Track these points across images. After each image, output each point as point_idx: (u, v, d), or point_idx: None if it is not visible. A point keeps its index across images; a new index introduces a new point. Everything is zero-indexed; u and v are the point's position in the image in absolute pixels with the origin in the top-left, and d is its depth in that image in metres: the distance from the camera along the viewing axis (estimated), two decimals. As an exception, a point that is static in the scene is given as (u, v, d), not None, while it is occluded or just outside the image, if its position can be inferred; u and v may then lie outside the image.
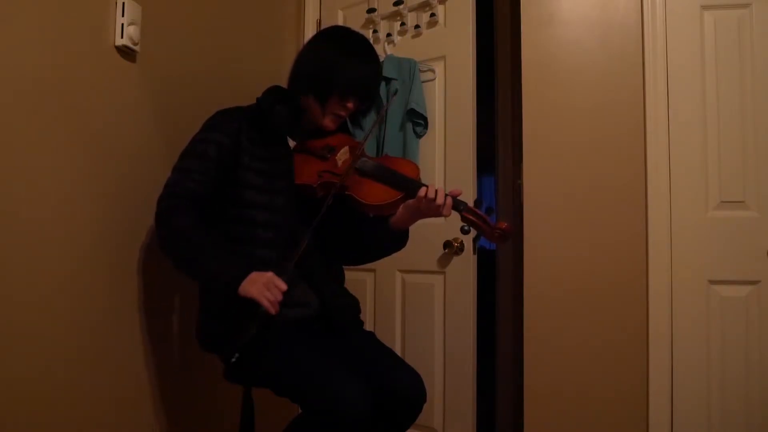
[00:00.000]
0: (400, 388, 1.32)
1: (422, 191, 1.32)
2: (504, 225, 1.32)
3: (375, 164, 1.41)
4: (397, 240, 1.47)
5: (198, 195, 1.32)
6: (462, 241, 2.05)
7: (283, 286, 1.22)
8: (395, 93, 1.78)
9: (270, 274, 1.23)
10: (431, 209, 1.33)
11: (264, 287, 1.21)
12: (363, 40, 1.52)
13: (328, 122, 1.47)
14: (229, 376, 1.41)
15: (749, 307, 1.73)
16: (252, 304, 1.22)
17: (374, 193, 1.37)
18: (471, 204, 1.36)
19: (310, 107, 1.46)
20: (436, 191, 1.32)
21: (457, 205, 1.35)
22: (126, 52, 1.49)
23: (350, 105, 1.45)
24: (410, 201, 1.36)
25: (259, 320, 1.22)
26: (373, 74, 1.48)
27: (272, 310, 1.21)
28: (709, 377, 1.74)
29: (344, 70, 1.41)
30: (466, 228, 1.37)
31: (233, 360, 1.24)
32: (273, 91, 1.47)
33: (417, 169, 1.44)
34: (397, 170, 1.40)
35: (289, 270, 1.26)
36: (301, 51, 1.53)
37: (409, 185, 1.36)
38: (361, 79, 1.44)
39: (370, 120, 2.21)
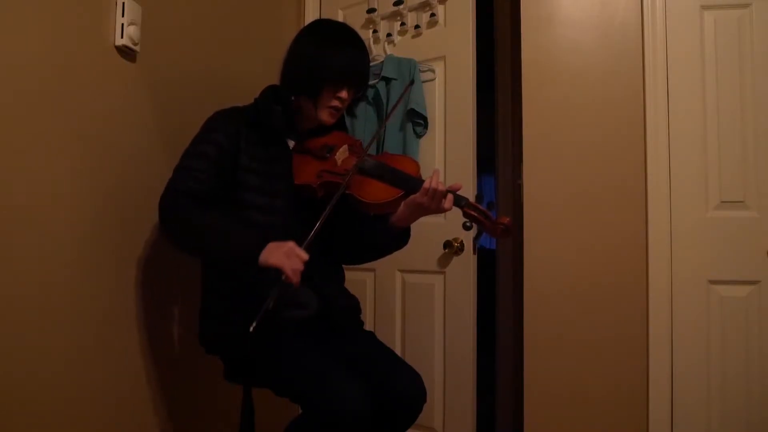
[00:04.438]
0: (400, 389, 1.32)
1: (426, 183, 1.31)
2: (506, 220, 1.32)
3: (375, 162, 1.41)
4: (399, 238, 1.47)
5: (200, 193, 1.31)
6: (462, 241, 2.05)
7: (305, 256, 1.19)
8: (402, 95, 1.72)
9: (291, 244, 1.20)
10: (433, 204, 1.33)
11: (285, 256, 1.18)
12: (341, 26, 1.51)
13: (325, 116, 1.44)
14: (229, 377, 1.42)
15: (749, 307, 1.73)
16: (271, 280, 1.18)
17: (374, 192, 1.36)
18: (472, 200, 1.36)
19: (303, 107, 1.44)
20: (440, 183, 1.31)
21: (459, 201, 1.35)
22: (126, 52, 1.49)
23: (344, 94, 1.42)
24: (412, 197, 1.35)
25: (278, 291, 1.17)
26: (356, 58, 1.43)
27: (294, 280, 1.17)
28: (709, 377, 1.74)
29: (327, 61, 1.39)
30: (468, 224, 1.37)
31: (251, 330, 1.15)
32: (270, 91, 1.47)
33: (417, 166, 1.43)
34: (397, 168, 1.39)
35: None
36: (285, 54, 1.49)
37: (409, 183, 1.36)
38: (346, 65, 1.40)
39: (366, 113, 2.21)
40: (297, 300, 1.37)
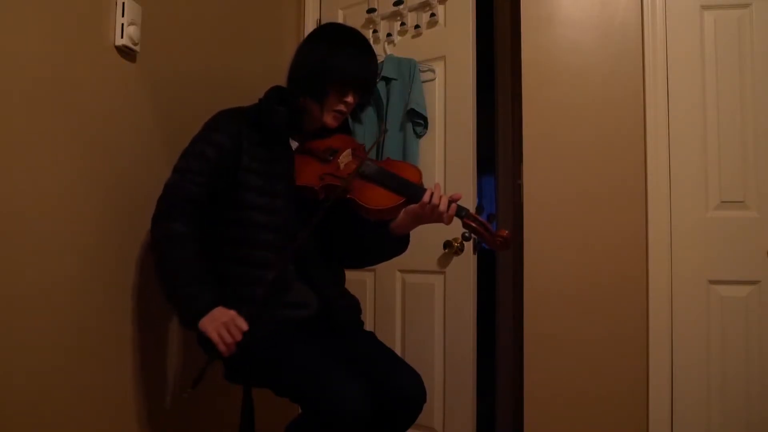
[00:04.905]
0: (400, 389, 1.32)
1: (426, 196, 1.32)
2: (505, 233, 1.33)
3: (377, 168, 1.40)
4: (398, 245, 1.47)
5: (197, 197, 1.32)
6: (462, 241, 2.05)
7: (244, 326, 1.21)
8: (382, 138, 1.73)
9: (232, 314, 1.22)
10: (434, 215, 1.33)
11: (223, 326, 1.21)
12: (353, 32, 1.50)
13: (329, 120, 1.45)
14: (229, 377, 1.42)
15: (749, 307, 1.73)
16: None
17: (376, 198, 1.36)
18: (473, 211, 1.36)
19: (309, 108, 1.44)
20: (441, 197, 1.32)
21: (459, 212, 1.35)
22: (126, 52, 1.49)
23: (350, 99, 1.42)
24: (412, 207, 1.35)
25: (211, 358, 1.22)
26: (366, 63, 1.43)
27: (225, 353, 1.20)
28: (709, 377, 1.74)
29: (336, 64, 1.39)
30: (467, 235, 1.38)
31: (185, 396, 1.23)
32: (274, 92, 1.47)
33: (419, 173, 1.43)
34: (399, 174, 1.39)
35: (287, 271, 1.25)
36: (294, 54, 1.50)
37: (411, 190, 1.35)
38: (355, 70, 1.41)
39: (371, 119, 2.21)
40: (297, 301, 1.37)
